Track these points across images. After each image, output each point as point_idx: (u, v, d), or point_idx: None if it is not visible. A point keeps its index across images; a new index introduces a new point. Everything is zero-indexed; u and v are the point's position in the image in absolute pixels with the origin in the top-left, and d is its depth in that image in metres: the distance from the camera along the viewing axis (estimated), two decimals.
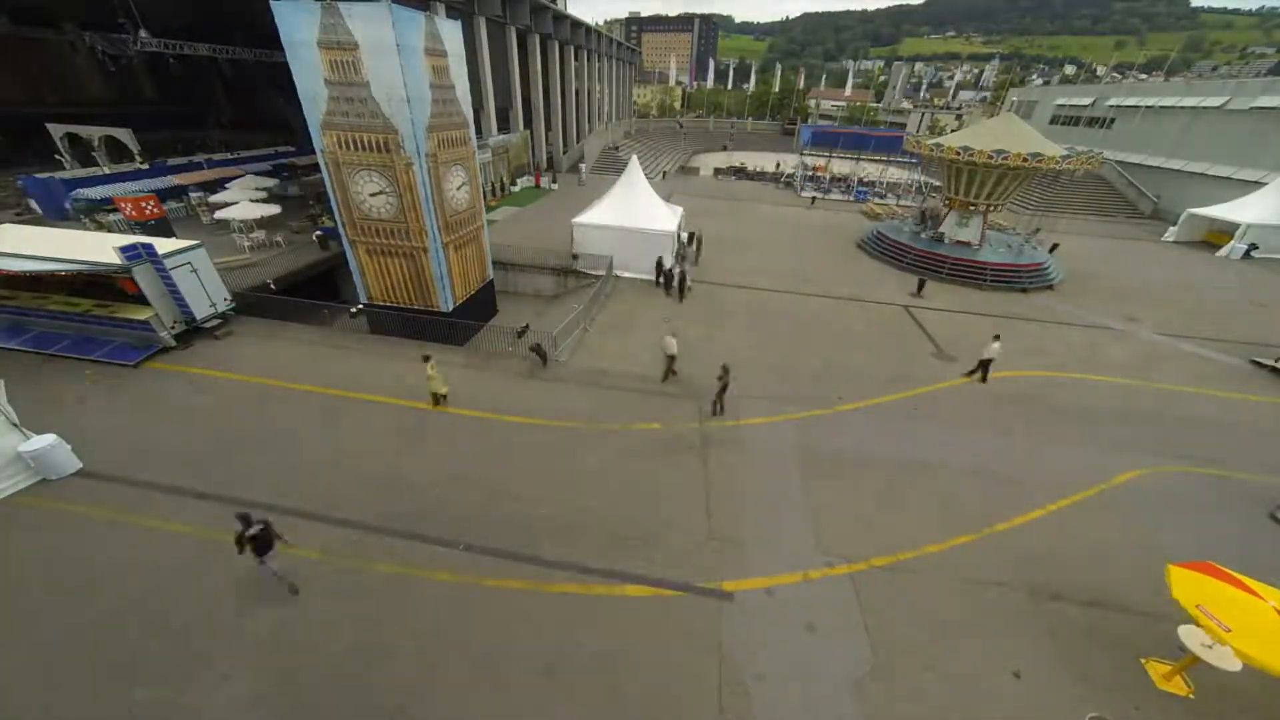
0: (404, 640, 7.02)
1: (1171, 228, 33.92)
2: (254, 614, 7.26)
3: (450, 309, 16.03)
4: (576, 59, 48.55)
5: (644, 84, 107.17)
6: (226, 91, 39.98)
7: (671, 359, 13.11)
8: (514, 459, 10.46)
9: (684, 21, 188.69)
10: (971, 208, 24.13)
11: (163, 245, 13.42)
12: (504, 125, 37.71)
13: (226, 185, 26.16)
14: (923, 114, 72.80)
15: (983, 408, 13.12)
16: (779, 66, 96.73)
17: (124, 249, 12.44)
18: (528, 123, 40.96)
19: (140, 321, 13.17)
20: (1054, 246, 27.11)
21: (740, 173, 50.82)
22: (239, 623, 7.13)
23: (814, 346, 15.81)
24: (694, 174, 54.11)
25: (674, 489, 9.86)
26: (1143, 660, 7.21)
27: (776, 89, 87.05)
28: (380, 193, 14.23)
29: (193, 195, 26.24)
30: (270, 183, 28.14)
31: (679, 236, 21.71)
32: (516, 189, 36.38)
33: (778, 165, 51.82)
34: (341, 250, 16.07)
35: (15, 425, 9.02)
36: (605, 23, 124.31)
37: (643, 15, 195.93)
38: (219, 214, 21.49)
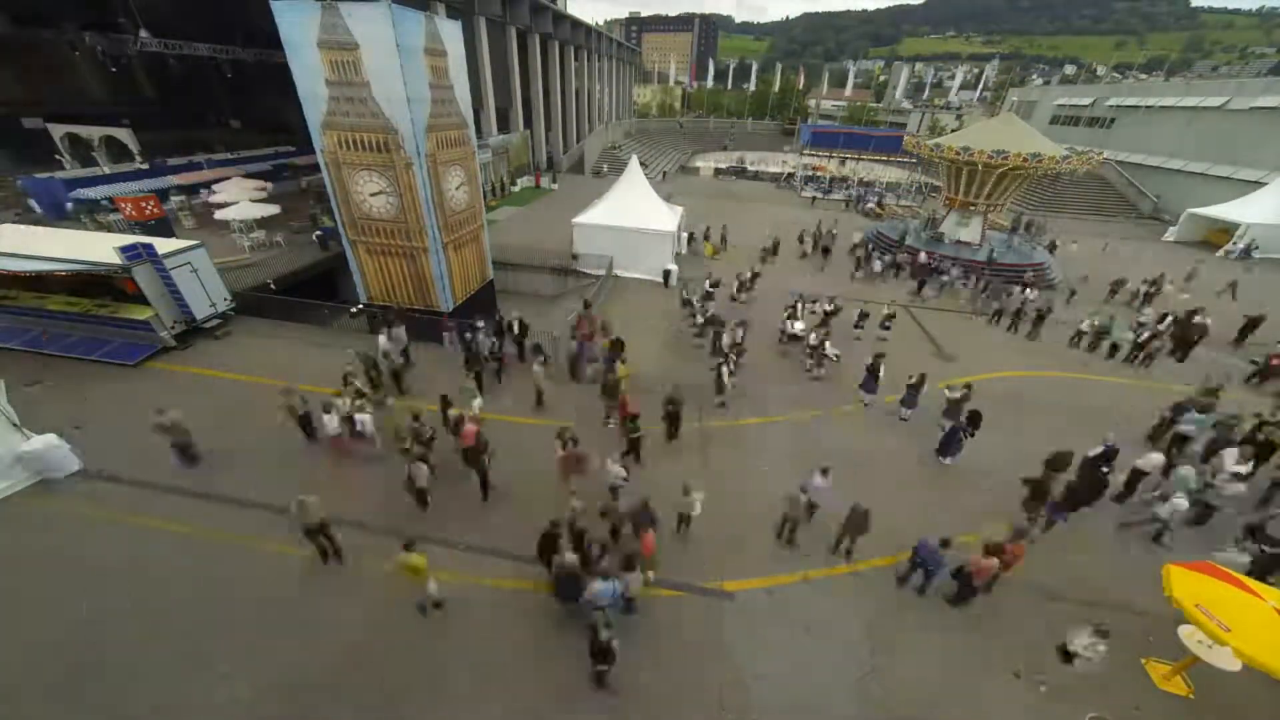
0: (404, 640, 7.02)
1: (1172, 227, 33.94)
2: (254, 614, 7.26)
3: (450, 309, 16.03)
4: (576, 59, 48.57)
5: (644, 84, 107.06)
6: (227, 91, 39.90)
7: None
8: (513, 458, 10.44)
9: (684, 21, 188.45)
10: (971, 207, 24.14)
11: (163, 245, 13.43)
12: (504, 125, 37.72)
13: (214, 189, 25.01)
14: (923, 114, 72.74)
15: (982, 408, 13.06)
16: (779, 67, 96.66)
17: (124, 249, 12.45)
18: (528, 123, 40.96)
19: (140, 321, 13.18)
20: (1054, 246, 27.12)
21: (743, 173, 50.87)
22: (239, 622, 7.13)
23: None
24: (694, 174, 54.13)
25: (674, 489, 9.82)
26: (1143, 660, 7.22)
27: (777, 89, 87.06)
28: (380, 193, 14.23)
29: (174, 199, 24.25)
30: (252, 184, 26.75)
31: (678, 237, 21.68)
32: (516, 189, 36.37)
33: (783, 163, 51.85)
34: (341, 250, 16.07)
35: (15, 425, 9.01)
36: (605, 23, 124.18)
37: (643, 15, 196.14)
38: (219, 214, 21.44)
